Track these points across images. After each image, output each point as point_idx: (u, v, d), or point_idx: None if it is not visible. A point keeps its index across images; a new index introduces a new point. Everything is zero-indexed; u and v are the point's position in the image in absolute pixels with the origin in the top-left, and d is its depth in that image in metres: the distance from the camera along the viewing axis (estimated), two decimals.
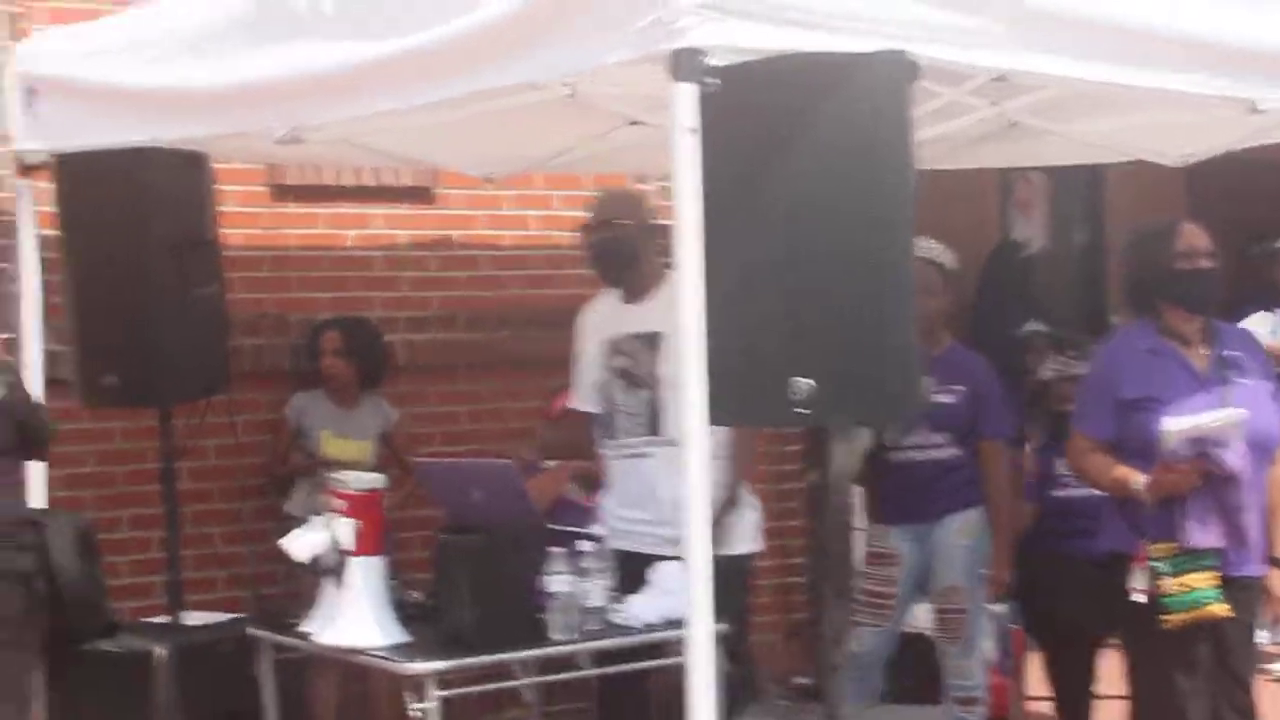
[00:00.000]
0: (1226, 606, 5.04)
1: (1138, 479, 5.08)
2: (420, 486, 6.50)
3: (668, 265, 4.61)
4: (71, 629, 5.89)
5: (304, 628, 5.35)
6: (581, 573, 5.14)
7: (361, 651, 5.15)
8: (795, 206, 4.02)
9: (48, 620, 5.79)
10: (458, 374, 7.59)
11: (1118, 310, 9.75)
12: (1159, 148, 6.25)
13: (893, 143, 4.01)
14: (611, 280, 5.85)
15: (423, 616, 5.28)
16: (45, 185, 6.29)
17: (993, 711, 6.63)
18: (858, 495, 6.25)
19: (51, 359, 6.31)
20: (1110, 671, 6.18)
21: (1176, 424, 5.00)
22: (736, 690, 4.78)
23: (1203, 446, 4.97)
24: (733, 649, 5.13)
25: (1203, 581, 5.01)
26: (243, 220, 7.07)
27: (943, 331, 6.34)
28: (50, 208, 6.27)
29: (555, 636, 5.09)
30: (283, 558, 5.44)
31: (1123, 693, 5.46)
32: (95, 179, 6.10)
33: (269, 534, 6.57)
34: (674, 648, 5.02)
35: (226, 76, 5.24)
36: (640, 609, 5.23)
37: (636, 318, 5.70)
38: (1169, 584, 5.01)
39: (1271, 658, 7.59)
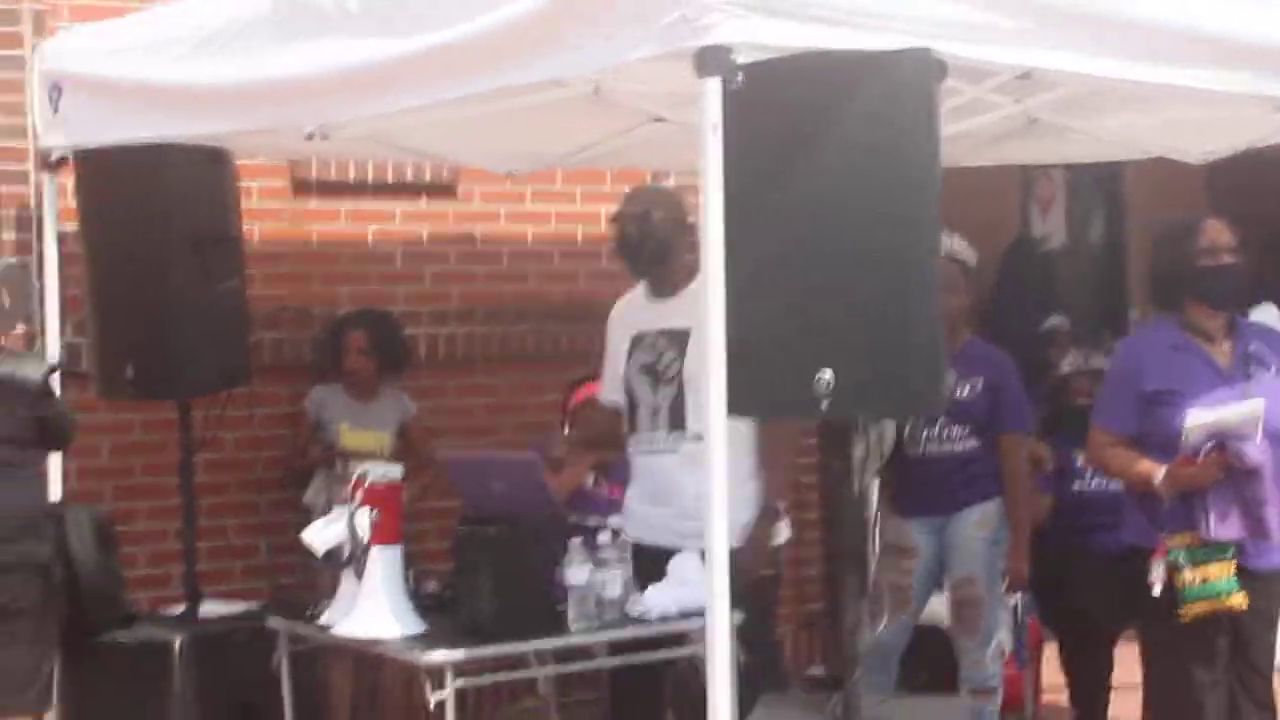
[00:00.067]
0: (1245, 598, 5.06)
1: (1158, 473, 5.10)
2: (438, 478, 6.53)
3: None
4: (89, 619, 5.92)
5: (322, 619, 5.37)
6: (600, 564, 5.16)
7: (380, 642, 5.17)
8: (819, 203, 4.04)
9: (66, 610, 5.82)
10: (477, 368, 7.61)
11: (1136, 305, 9.77)
12: (1181, 145, 6.25)
13: (919, 141, 4.02)
14: (640, 274, 5.84)
15: (439, 607, 5.31)
16: (68, 181, 6.32)
17: (1008, 703, 6.64)
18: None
19: (71, 352, 6.34)
20: (1127, 662, 6.19)
21: (1198, 418, 5.02)
22: (757, 680, 4.79)
23: (1224, 440, 5.00)
24: (757, 640, 5.15)
25: (1221, 573, 5.03)
26: (265, 215, 7.10)
27: (963, 327, 6.35)
28: (73, 203, 6.31)
29: (573, 627, 5.11)
30: (300, 549, 5.47)
31: (1139, 684, 5.47)
32: (118, 174, 6.14)
33: (287, 526, 6.61)
34: (690, 639, 5.08)
35: (252, 73, 5.26)
36: (657, 600, 5.24)
37: (664, 314, 5.70)
38: (1187, 576, 5.03)
39: None
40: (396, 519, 5.22)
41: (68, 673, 5.99)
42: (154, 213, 6.14)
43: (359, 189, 7.41)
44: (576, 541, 5.17)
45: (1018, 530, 6.32)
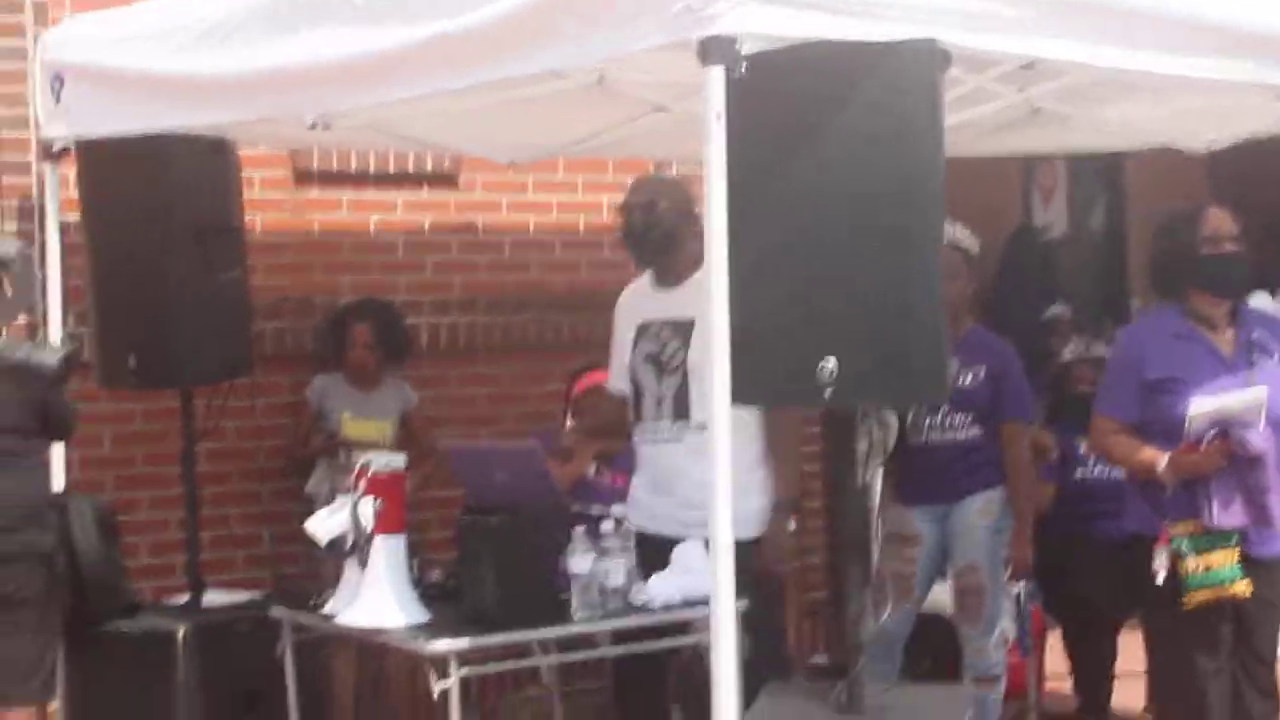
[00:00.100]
0: (1249, 586, 5.06)
1: (1161, 460, 5.10)
2: (439, 468, 6.54)
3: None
4: (92, 609, 5.92)
5: (325, 608, 5.38)
6: (603, 553, 5.16)
7: (383, 631, 5.18)
8: (823, 192, 4.03)
9: (69, 600, 5.82)
10: (478, 357, 7.61)
11: (1137, 294, 9.77)
12: (1184, 134, 6.26)
13: (922, 130, 4.02)
14: (645, 263, 5.85)
15: (443, 596, 5.32)
16: (70, 171, 6.32)
17: (1011, 691, 6.66)
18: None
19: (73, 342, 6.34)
20: (1131, 650, 6.20)
21: (1201, 405, 5.03)
22: (762, 669, 4.79)
23: (1227, 428, 5.00)
24: (763, 629, 5.15)
25: (1225, 561, 5.04)
26: (266, 205, 7.10)
27: (965, 315, 6.36)
28: (74, 194, 6.30)
29: (576, 616, 5.12)
30: (302, 538, 5.49)
31: (1143, 671, 5.48)
32: (120, 165, 6.14)
33: (289, 515, 6.61)
34: (693, 627, 5.08)
35: (255, 63, 5.25)
36: (661, 589, 5.25)
37: (669, 303, 5.70)
38: (1191, 564, 5.04)
39: None
40: (400, 508, 5.23)
41: (71, 662, 5.99)
42: (155, 203, 6.14)
43: (360, 179, 7.41)
44: (580, 530, 5.18)
45: (1020, 519, 6.34)
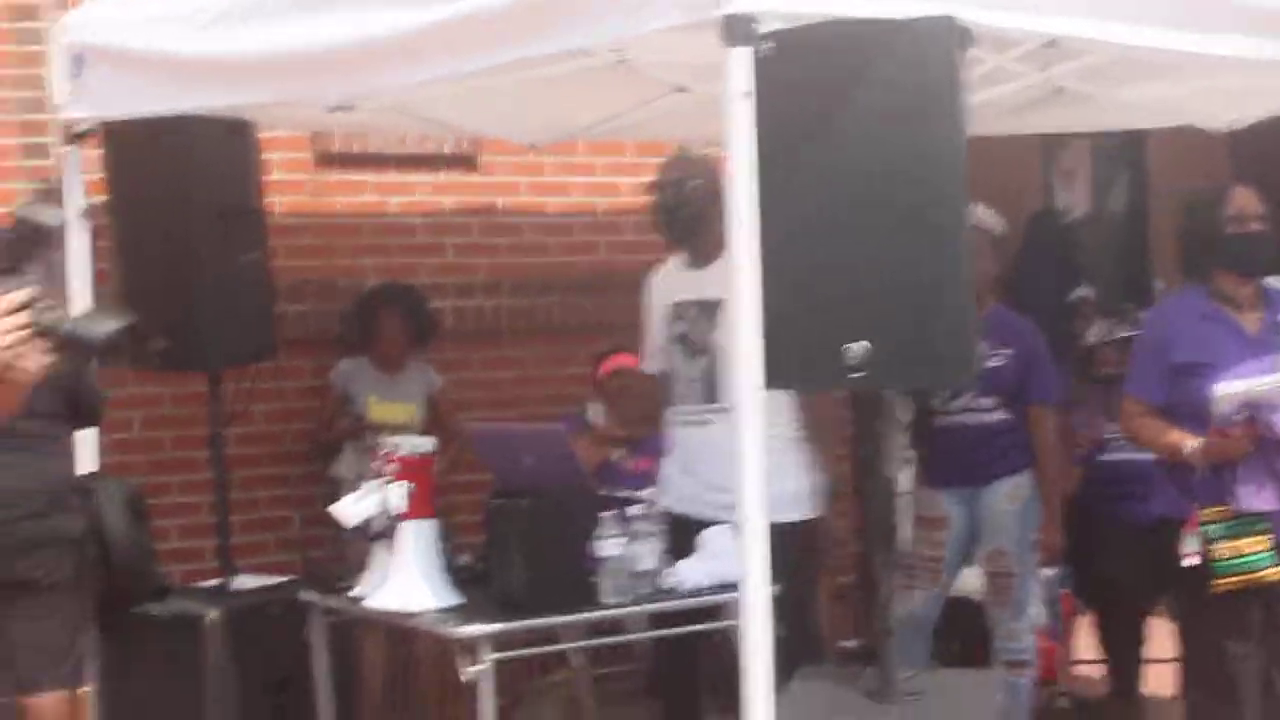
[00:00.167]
0: (1279, 570, 5.04)
1: (1190, 443, 5.09)
2: (464, 451, 6.54)
3: None
4: (122, 593, 5.93)
5: (355, 591, 5.38)
6: (632, 536, 5.15)
7: (413, 615, 5.18)
8: (846, 172, 4.02)
9: (99, 585, 5.83)
10: (502, 340, 7.62)
11: (1160, 275, 9.73)
12: (1206, 113, 6.22)
13: (944, 108, 3.99)
14: (675, 243, 5.83)
15: (473, 580, 5.30)
16: (92, 153, 6.32)
17: (1042, 675, 6.65)
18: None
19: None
20: (1161, 635, 6.19)
21: (1228, 388, 5.00)
22: (795, 654, 4.79)
23: (1254, 411, 4.98)
24: (797, 614, 5.14)
25: (1255, 546, 5.02)
26: (287, 187, 7.11)
27: (988, 295, 6.34)
28: (97, 175, 6.31)
29: (606, 600, 5.10)
30: (330, 522, 5.47)
31: (1173, 656, 5.47)
32: (141, 147, 6.13)
33: (316, 499, 6.62)
34: (724, 611, 5.07)
35: (277, 45, 5.24)
36: (689, 573, 5.24)
37: (698, 284, 5.69)
38: (1220, 548, 5.03)
39: None
40: (429, 491, 5.22)
41: (102, 646, 6.00)
42: (177, 185, 6.14)
43: (381, 161, 7.42)
44: (609, 514, 5.16)
45: (1049, 503, 6.32)
